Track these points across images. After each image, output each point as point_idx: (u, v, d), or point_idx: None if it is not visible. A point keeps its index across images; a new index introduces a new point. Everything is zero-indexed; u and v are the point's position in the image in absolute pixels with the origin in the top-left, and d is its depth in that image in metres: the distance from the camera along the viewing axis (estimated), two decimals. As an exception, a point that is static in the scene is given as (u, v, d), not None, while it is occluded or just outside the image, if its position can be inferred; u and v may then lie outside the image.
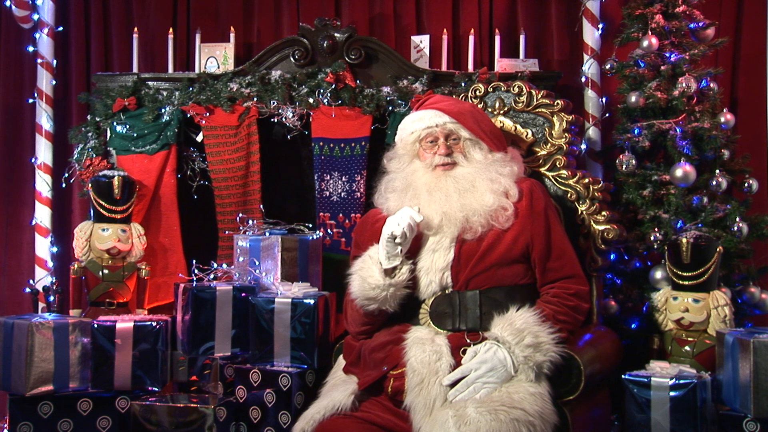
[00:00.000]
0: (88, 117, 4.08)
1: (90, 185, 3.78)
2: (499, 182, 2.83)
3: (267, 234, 3.56)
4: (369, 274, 2.76)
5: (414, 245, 2.80)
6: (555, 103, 3.37)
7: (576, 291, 2.81)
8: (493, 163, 2.88)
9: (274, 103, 3.91)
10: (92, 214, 3.79)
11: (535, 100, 3.39)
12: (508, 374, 2.59)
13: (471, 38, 4.15)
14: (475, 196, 2.80)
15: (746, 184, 3.62)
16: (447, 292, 2.78)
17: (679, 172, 3.45)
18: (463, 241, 2.78)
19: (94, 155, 3.98)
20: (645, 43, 3.61)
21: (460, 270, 2.77)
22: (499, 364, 2.58)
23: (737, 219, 3.49)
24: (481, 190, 2.80)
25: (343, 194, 3.90)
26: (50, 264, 4.14)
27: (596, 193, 3.27)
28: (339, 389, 2.76)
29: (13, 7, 4.15)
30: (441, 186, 2.83)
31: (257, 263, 3.50)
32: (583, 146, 3.83)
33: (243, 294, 3.31)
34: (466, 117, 2.93)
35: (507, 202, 2.80)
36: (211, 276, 3.41)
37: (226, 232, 3.84)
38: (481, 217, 2.77)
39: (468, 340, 2.70)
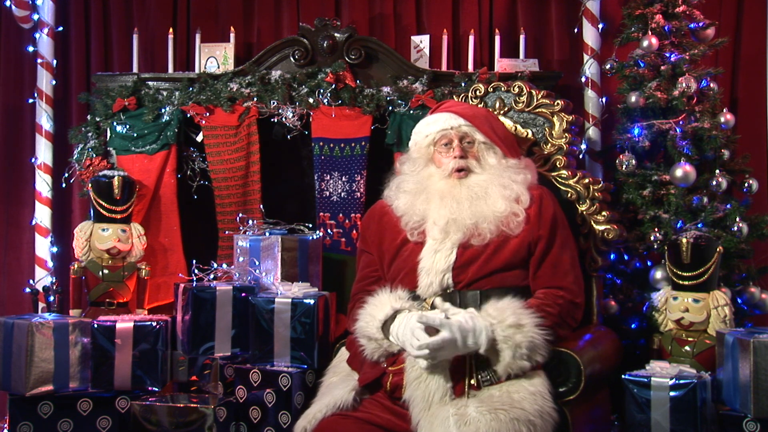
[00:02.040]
0: (88, 117, 4.08)
1: (90, 185, 3.78)
2: (511, 188, 2.81)
3: (267, 234, 3.56)
4: (372, 333, 2.72)
5: (417, 248, 2.80)
6: (555, 103, 3.37)
7: (568, 299, 2.78)
8: (507, 169, 2.86)
9: (274, 103, 3.91)
10: (92, 214, 3.79)
11: (535, 100, 3.38)
12: (468, 350, 2.54)
13: (471, 38, 4.15)
14: (487, 202, 2.78)
15: (746, 184, 3.62)
16: (448, 292, 2.78)
17: (679, 172, 3.45)
18: (468, 245, 2.77)
19: (94, 155, 3.98)
20: (645, 43, 3.61)
21: (461, 272, 2.76)
22: (470, 336, 2.53)
23: (737, 219, 3.49)
24: (493, 197, 2.78)
25: (343, 194, 3.90)
26: (50, 264, 4.13)
27: (596, 193, 3.27)
28: (340, 386, 2.76)
29: (13, 7, 4.15)
30: (454, 193, 2.81)
31: (257, 263, 3.50)
32: (583, 146, 3.82)
33: (243, 294, 3.31)
34: (480, 121, 2.92)
35: (518, 208, 2.79)
36: (211, 276, 3.40)
37: (226, 232, 3.84)
38: (491, 223, 2.75)
39: None
